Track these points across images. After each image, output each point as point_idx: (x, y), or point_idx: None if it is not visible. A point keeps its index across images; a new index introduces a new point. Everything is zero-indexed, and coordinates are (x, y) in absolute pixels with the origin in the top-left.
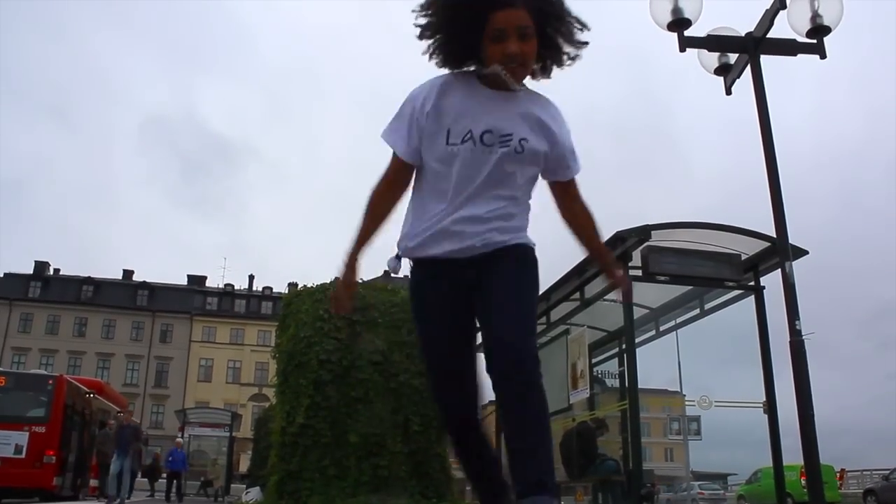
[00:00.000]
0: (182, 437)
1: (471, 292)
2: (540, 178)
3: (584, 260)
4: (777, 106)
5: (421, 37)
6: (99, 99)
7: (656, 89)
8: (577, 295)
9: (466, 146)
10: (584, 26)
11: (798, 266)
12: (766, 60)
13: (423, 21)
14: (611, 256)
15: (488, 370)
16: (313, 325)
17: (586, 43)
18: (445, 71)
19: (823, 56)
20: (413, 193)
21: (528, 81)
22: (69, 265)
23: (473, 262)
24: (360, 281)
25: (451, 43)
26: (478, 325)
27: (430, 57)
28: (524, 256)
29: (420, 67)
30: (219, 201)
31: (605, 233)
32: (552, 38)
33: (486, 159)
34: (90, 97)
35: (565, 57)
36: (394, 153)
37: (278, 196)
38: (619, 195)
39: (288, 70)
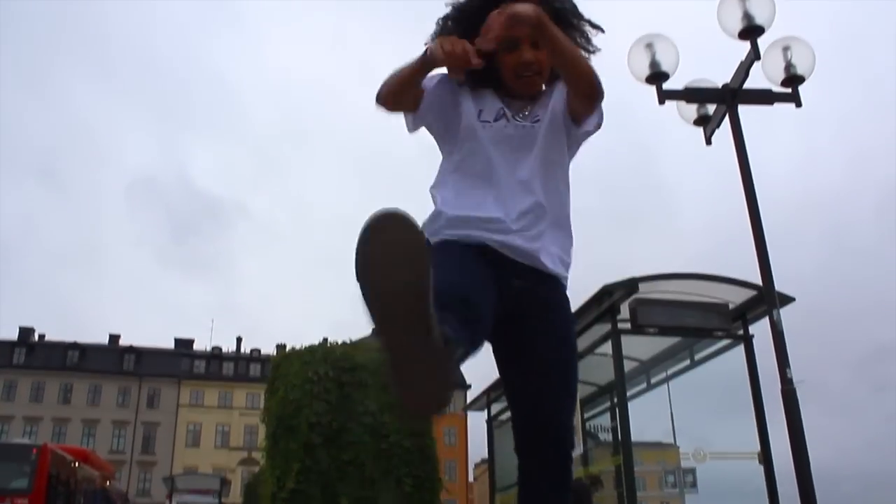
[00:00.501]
0: None
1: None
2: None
3: (573, 314)
4: (762, 150)
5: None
6: (87, 160)
7: (641, 136)
8: None
9: (500, 123)
10: (598, 28)
11: (788, 311)
12: (748, 107)
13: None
14: None
15: (521, 449)
16: (302, 387)
17: (599, 49)
18: None
19: (799, 105)
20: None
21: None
22: (55, 330)
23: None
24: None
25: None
26: (506, 373)
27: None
28: (569, 308)
29: (402, 129)
30: (208, 261)
31: (593, 286)
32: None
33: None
34: (78, 158)
35: None
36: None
37: (268, 255)
38: (606, 246)
39: (276, 128)
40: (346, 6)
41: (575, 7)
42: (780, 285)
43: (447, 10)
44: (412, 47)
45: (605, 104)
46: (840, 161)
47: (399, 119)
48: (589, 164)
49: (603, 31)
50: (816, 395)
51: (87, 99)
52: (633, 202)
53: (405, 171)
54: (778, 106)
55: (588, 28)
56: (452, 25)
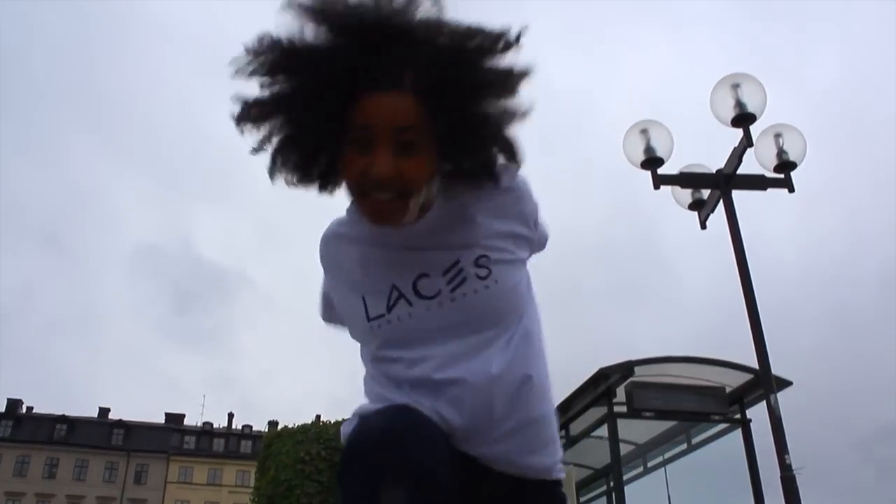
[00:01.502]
0: None
1: None
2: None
3: (569, 397)
4: (764, 227)
5: (241, 119)
6: (90, 227)
7: (642, 210)
8: (561, 433)
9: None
10: (522, 75)
11: (790, 391)
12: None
13: (256, 98)
14: None
15: None
16: (294, 467)
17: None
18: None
19: (791, 190)
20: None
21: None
22: (44, 402)
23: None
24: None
25: (294, 157)
26: None
27: (272, 175)
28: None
29: None
30: (207, 333)
31: (595, 363)
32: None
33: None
34: (81, 225)
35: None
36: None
37: (267, 328)
38: (607, 321)
39: (279, 195)
40: None
41: (476, 55)
42: (781, 364)
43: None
44: None
45: (605, 177)
46: (842, 238)
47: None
48: (591, 241)
49: (528, 73)
50: (820, 478)
51: (91, 166)
52: (636, 279)
53: None
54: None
55: (505, 80)
56: (285, 119)
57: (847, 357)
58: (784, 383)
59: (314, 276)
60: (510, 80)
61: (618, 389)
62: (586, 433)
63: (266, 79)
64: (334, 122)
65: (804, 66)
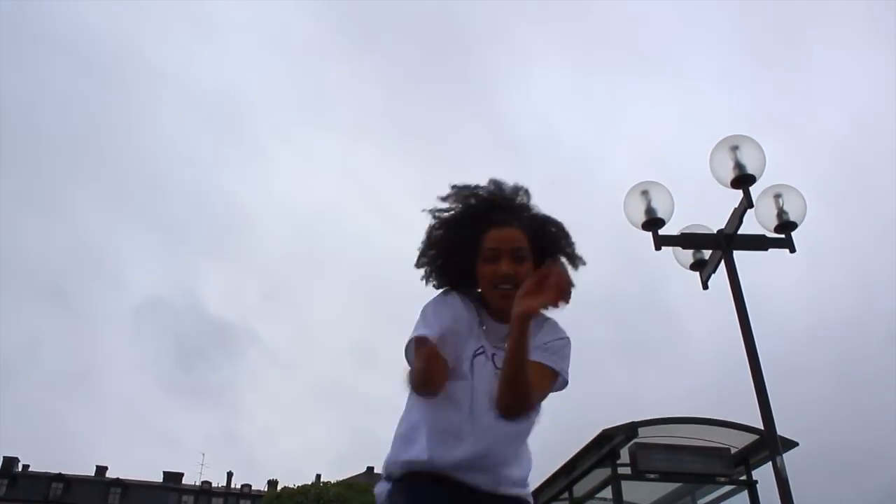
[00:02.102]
0: None
1: None
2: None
3: (572, 458)
4: (769, 280)
5: (418, 263)
6: (95, 283)
7: (648, 265)
8: (565, 494)
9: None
10: (582, 261)
11: (800, 450)
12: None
13: (421, 246)
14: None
15: None
16: None
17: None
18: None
19: (792, 250)
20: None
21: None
22: (40, 460)
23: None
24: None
25: (446, 264)
26: None
27: (427, 280)
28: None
29: (408, 252)
30: (208, 389)
31: (601, 419)
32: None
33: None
34: (86, 281)
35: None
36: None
37: (270, 384)
38: (613, 375)
39: (285, 252)
40: (356, 132)
41: (563, 230)
42: (789, 419)
43: (433, 221)
44: (417, 174)
45: (610, 231)
46: (849, 291)
47: (410, 247)
48: (596, 295)
49: (586, 264)
50: None
51: (96, 221)
52: (642, 334)
53: (409, 300)
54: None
55: (575, 256)
56: (443, 240)
57: (856, 411)
58: (790, 444)
59: (315, 332)
60: (574, 252)
61: (622, 451)
62: (590, 495)
63: (438, 229)
64: (472, 246)
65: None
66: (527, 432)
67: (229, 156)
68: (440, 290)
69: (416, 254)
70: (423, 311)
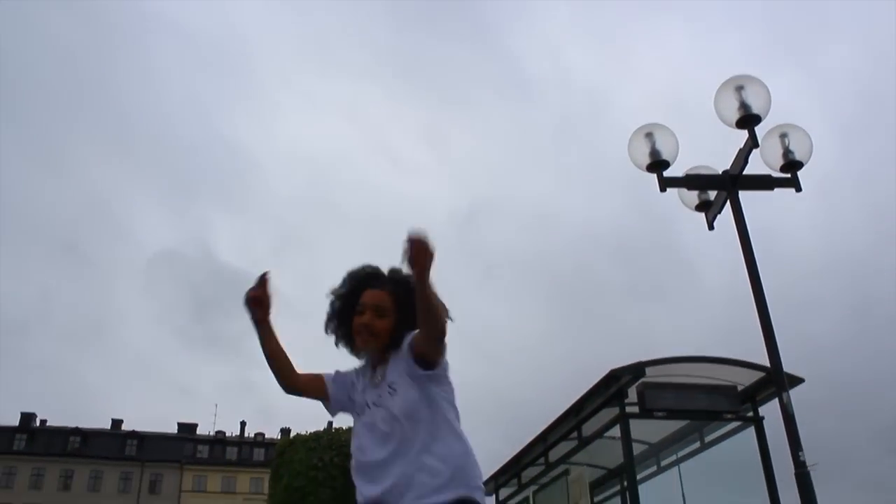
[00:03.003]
0: None
1: None
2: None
3: (581, 399)
4: (783, 221)
5: (326, 330)
6: (107, 236)
7: (660, 205)
8: (574, 434)
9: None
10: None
11: (810, 386)
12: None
13: (326, 317)
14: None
15: None
16: (307, 474)
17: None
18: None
19: (798, 189)
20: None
21: None
22: (57, 415)
23: None
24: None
25: (341, 324)
26: None
27: (336, 344)
28: None
29: (417, 196)
30: (220, 339)
31: (615, 359)
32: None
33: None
34: (98, 233)
35: None
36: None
37: (285, 332)
38: (625, 316)
39: (295, 198)
40: (360, 74)
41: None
42: (803, 359)
43: (330, 297)
44: (422, 114)
45: (617, 187)
46: (864, 227)
47: (418, 191)
48: (608, 237)
49: (453, 320)
50: (844, 471)
51: (105, 173)
52: (654, 274)
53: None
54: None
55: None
56: (337, 306)
57: (869, 349)
58: (796, 380)
59: (326, 279)
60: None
61: (629, 390)
62: (599, 434)
63: (335, 300)
64: (352, 307)
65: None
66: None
67: (233, 103)
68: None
69: (325, 322)
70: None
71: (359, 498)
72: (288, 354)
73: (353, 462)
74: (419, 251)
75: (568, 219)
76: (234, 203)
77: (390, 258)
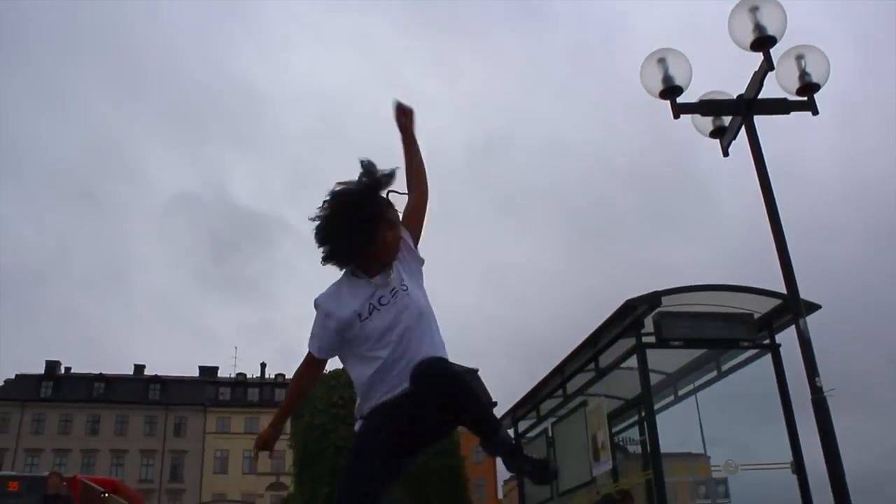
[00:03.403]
0: None
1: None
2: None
3: (597, 330)
4: (802, 146)
5: (353, 251)
6: (121, 180)
7: (678, 130)
8: (592, 365)
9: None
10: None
11: (830, 313)
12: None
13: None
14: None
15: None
16: (328, 411)
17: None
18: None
19: (815, 112)
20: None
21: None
22: (81, 363)
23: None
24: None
25: (370, 241)
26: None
27: (343, 263)
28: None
29: (431, 128)
30: (242, 281)
31: (619, 302)
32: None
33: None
34: (112, 179)
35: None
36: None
37: (304, 272)
38: (643, 247)
39: (306, 134)
40: (367, 7)
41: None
42: (824, 283)
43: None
44: (434, 45)
45: (633, 114)
46: (887, 150)
47: (432, 124)
48: (624, 165)
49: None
50: (859, 398)
51: (112, 117)
52: (671, 202)
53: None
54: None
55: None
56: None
57: (890, 274)
58: (813, 307)
59: None
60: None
61: (645, 320)
62: (616, 365)
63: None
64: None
65: None
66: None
67: (240, 39)
68: (323, 294)
69: (357, 245)
70: (314, 317)
71: (392, 393)
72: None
73: (378, 363)
74: (406, 112)
75: (583, 148)
76: (247, 142)
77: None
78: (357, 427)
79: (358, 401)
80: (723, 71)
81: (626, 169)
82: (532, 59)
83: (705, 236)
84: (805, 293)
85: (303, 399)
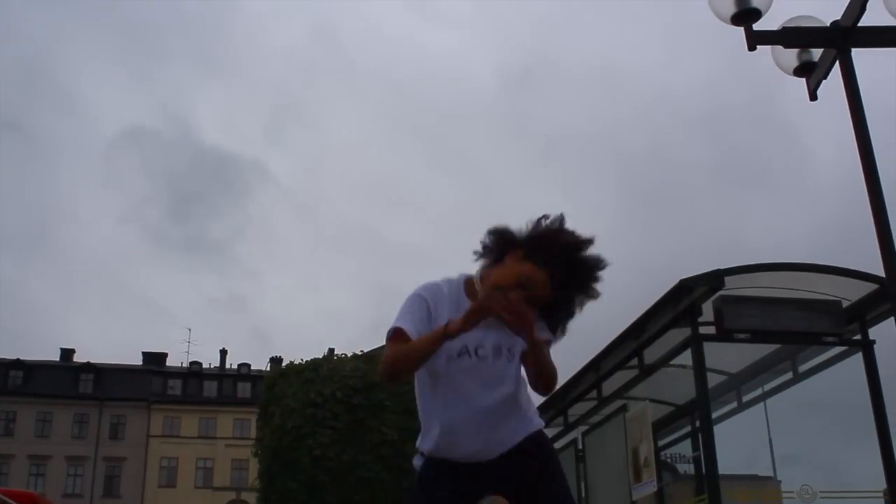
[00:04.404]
0: None
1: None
2: None
3: (642, 317)
4: None
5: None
6: (54, 110)
7: (760, 64)
8: (634, 361)
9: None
10: (593, 294)
11: None
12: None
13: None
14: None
15: None
16: (303, 411)
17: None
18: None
19: None
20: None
21: None
22: None
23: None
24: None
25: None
26: None
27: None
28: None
29: (448, 51)
30: (200, 242)
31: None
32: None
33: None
34: (38, 109)
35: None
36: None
37: (280, 233)
38: (709, 208)
39: (295, 58)
40: None
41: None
42: None
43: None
44: None
45: (704, 42)
46: None
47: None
48: (691, 106)
49: (596, 296)
50: None
51: (41, 26)
52: (749, 154)
53: (441, 120)
54: None
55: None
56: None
57: None
58: None
59: (323, 164)
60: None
61: (704, 306)
62: (665, 361)
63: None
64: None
65: None
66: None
67: None
68: (425, 284)
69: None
70: (408, 299)
71: (452, 450)
72: None
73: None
74: (516, 317)
75: (640, 83)
76: (216, 64)
77: (398, 143)
78: (416, 466)
79: (422, 429)
80: None
81: (694, 110)
82: None
83: (794, 201)
84: None
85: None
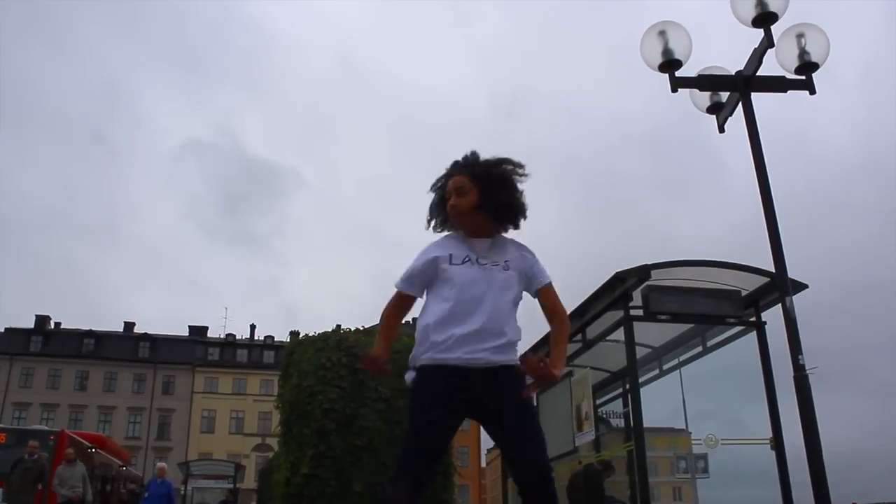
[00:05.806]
0: (185, 489)
1: (472, 402)
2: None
3: (585, 301)
4: (817, 116)
5: (428, 223)
6: (128, 127)
7: (692, 97)
8: (578, 336)
9: (466, 265)
10: (522, 173)
11: (836, 291)
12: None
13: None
14: (555, 367)
15: (517, 479)
16: (316, 374)
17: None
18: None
19: (813, 92)
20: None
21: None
22: (71, 318)
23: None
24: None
25: (440, 213)
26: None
27: (434, 228)
28: (522, 380)
29: (441, 80)
30: (242, 238)
31: (608, 270)
32: (494, 195)
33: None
34: (118, 124)
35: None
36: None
37: (305, 231)
38: (650, 212)
39: (321, 80)
40: None
41: (497, 169)
42: (828, 257)
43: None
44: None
45: (653, 76)
46: None
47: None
48: (637, 129)
49: (524, 171)
50: (855, 377)
51: (116, 57)
52: (682, 169)
53: (438, 136)
54: (845, 55)
55: (512, 174)
56: (434, 199)
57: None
58: (800, 286)
59: (340, 172)
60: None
61: (634, 293)
62: (602, 337)
63: (433, 194)
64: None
65: None
66: (516, 303)
67: None
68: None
69: (427, 217)
70: (419, 254)
71: (456, 330)
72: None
73: (453, 302)
74: (543, 378)
75: (594, 107)
76: (259, 88)
77: (404, 152)
78: (409, 380)
79: (415, 346)
80: (724, 46)
81: (639, 133)
82: (548, 9)
83: (713, 207)
84: (812, 271)
85: (392, 338)
